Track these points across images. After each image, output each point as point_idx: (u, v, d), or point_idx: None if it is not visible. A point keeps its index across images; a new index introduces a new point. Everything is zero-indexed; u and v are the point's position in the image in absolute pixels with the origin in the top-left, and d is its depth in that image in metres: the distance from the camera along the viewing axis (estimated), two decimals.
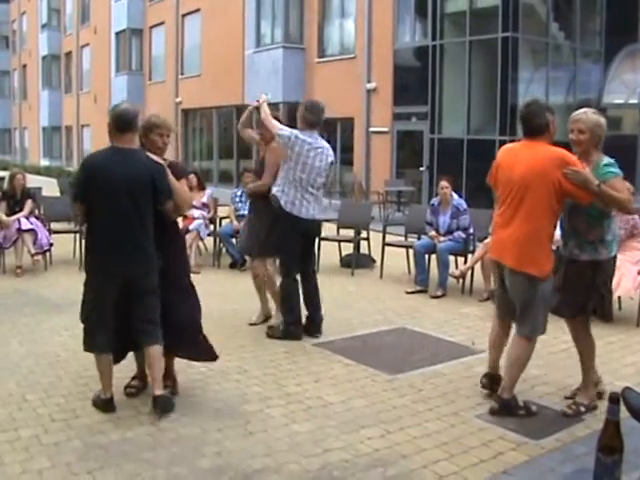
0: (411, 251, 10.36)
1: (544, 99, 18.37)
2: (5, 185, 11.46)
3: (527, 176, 4.97)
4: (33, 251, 10.51)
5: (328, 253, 11.56)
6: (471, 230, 9.80)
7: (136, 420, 5.06)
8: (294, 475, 4.25)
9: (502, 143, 5.43)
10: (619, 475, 2.16)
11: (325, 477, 4.23)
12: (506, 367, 5.30)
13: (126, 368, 5.63)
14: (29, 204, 10.95)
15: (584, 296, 5.21)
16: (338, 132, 23.97)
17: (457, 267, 9.96)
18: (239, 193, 11.67)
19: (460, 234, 9.68)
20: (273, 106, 23.30)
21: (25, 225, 10.51)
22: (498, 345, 5.59)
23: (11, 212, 10.76)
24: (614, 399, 2.17)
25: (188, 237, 10.13)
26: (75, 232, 11.57)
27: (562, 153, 5.03)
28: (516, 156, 5.16)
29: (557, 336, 6.82)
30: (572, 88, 20.08)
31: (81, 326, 7.58)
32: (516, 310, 5.23)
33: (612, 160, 5.12)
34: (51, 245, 10.99)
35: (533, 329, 5.20)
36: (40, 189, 14.13)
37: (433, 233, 9.90)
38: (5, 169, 31.91)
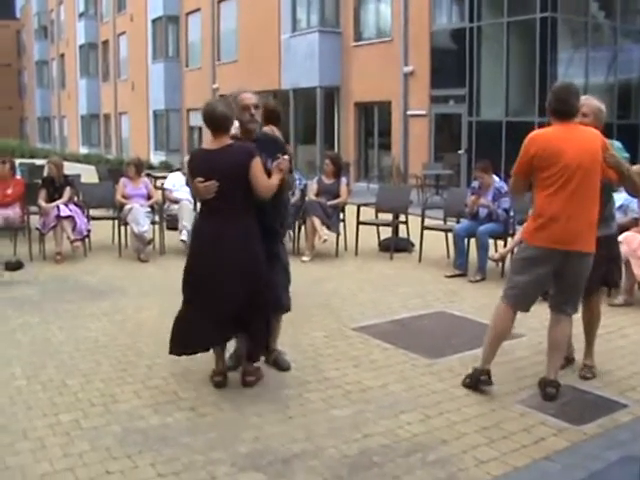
0: (450, 235, 10.28)
1: (584, 80, 18.14)
2: (44, 172, 11.57)
3: (585, 159, 4.98)
4: (72, 237, 10.58)
5: (366, 237, 11.52)
6: (512, 213, 9.68)
7: (175, 406, 5.07)
8: (333, 460, 4.23)
9: (541, 125, 5.37)
10: None
11: (365, 462, 4.20)
12: (557, 349, 5.29)
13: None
14: (68, 191, 11.02)
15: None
16: (375, 116, 23.91)
17: (496, 250, 9.87)
18: None
19: (502, 212, 9.58)
20: (310, 90, 23.22)
21: (64, 212, 10.57)
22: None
23: (50, 199, 10.84)
24: None
25: None
26: (114, 219, 11.62)
27: (601, 135, 5.18)
28: (562, 140, 5.04)
29: None
30: (613, 68, 19.76)
31: (120, 312, 7.71)
32: (567, 294, 5.27)
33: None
34: (89, 231, 11.05)
35: (577, 306, 5.40)
36: (79, 176, 14.23)
37: (473, 197, 9.80)
38: (46, 157, 32.23)
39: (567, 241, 5.02)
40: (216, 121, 5.19)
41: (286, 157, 5.31)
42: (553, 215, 5.01)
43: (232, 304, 5.20)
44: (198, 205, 5.65)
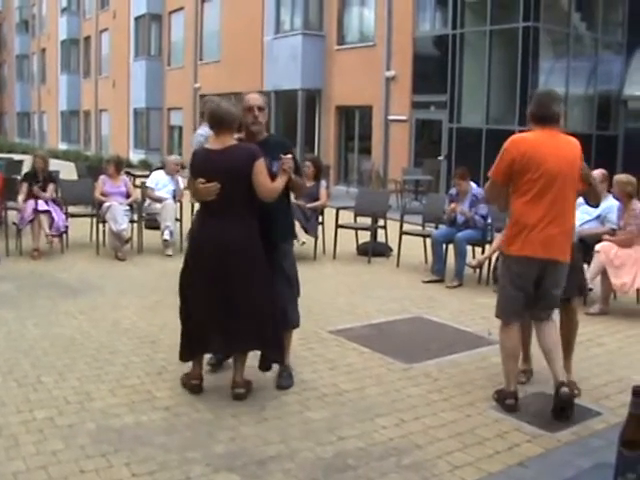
0: (428, 240, 10.32)
1: (564, 90, 18.25)
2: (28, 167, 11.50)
3: (565, 166, 4.96)
4: (48, 231, 10.51)
5: (345, 241, 11.53)
6: (489, 220, 9.73)
7: (150, 405, 5.05)
8: (308, 462, 4.23)
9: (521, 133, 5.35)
10: None
11: (339, 465, 4.21)
12: (553, 352, 5.16)
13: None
14: (52, 187, 10.98)
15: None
16: (356, 120, 23.94)
17: (474, 257, 9.92)
18: None
19: (480, 219, 9.62)
20: (291, 93, 23.22)
21: (42, 206, 10.52)
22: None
23: (31, 193, 10.76)
24: (638, 392, 2.13)
25: None
26: (92, 216, 11.57)
27: (579, 144, 5.18)
28: (543, 146, 5.00)
29: None
30: (593, 79, 19.89)
31: (96, 310, 7.68)
32: (544, 302, 5.20)
33: None
34: (67, 227, 10.99)
35: (555, 309, 5.38)
36: (58, 172, 14.16)
37: (452, 205, 9.83)
38: (25, 152, 31.98)
39: (544, 249, 4.95)
40: (219, 119, 5.08)
41: (289, 156, 5.17)
42: (531, 222, 4.94)
43: (234, 309, 5.10)
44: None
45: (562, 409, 4.95)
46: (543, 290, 5.14)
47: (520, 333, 5.24)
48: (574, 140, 5.16)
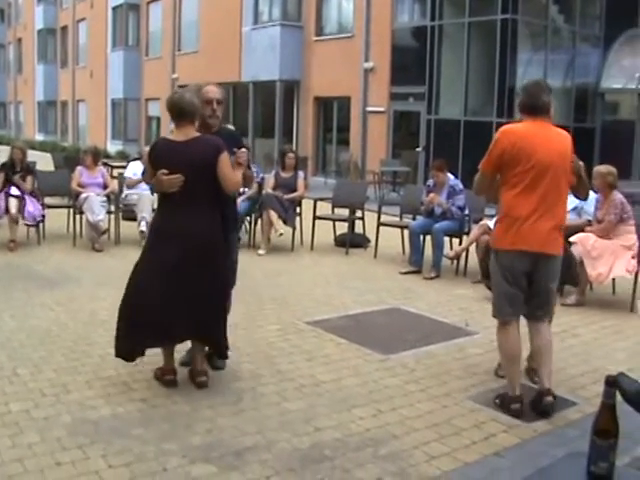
0: (406, 231, 10.34)
1: None
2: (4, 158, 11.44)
3: (556, 158, 4.86)
4: (14, 211, 10.39)
5: (323, 232, 11.53)
6: (467, 211, 9.76)
7: (126, 396, 5.03)
8: (285, 453, 4.24)
9: (499, 125, 5.30)
10: (613, 459, 2.13)
11: (316, 455, 4.22)
12: (544, 356, 5.04)
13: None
14: (30, 180, 10.90)
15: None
16: (335, 111, 23.93)
17: (452, 248, 9.95)
18: None
19: (457, 210, 9.63)
20: (269, 83, 23.15)
21: (14, 191, 10.46)
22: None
23: (8, 184, 10.67)
24: (611, 382, 2.14)
25: None
26: (69, 207, 11.50)
27: (569, 136, 5.10)
28: (534, 137, 4.89)
29: None
30: (570, 72, 19.99)
31: (73, 301, 7.63)
32: (539, 298, 5.05)
33: None
34: (43, 217, 10.91)
35: (553, 311, 5.24)
36: (35, 163, 14.04)
37: (431, 195, 9.80)
38: (0, 143, 31.70)
39: (536, 243, 4.81)
40: (179, 110, 5.00)
41: (244, 150, 5.21)
42: (523, 215, 4.79)
43: (195, 302, 5.04)
44: (155, 196, 5.55)
45: (542, 413, 4.91)
46: (536, 285, 4.98)
47: (518, 332, 5.02)
48: (565, 132, 5.06)
